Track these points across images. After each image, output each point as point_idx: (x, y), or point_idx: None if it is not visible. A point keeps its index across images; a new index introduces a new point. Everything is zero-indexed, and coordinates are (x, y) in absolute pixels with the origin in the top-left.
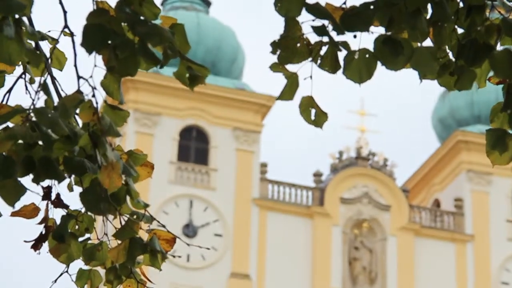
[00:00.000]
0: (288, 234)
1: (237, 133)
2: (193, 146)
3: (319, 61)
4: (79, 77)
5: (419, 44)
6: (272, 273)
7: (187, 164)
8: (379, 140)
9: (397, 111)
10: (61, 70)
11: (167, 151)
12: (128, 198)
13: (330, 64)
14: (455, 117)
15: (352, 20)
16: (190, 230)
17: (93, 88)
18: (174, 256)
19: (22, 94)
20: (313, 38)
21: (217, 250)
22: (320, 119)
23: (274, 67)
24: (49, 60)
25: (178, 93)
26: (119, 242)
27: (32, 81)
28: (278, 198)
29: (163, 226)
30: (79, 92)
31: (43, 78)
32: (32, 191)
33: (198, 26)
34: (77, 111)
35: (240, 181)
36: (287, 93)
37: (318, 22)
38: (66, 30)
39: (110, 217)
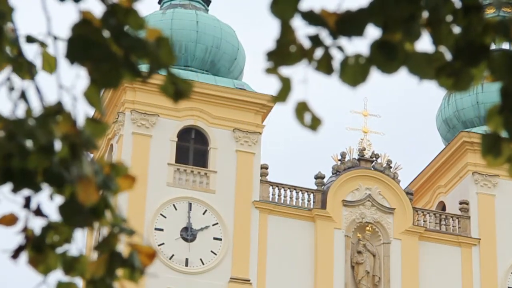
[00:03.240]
0: (289, 237)
1: (237, 134)
2: (192, 148)
3: (314, 64)
4: (60, 87)
5: (414, 48)
6: (273, 278)
7: (186, 166)
8: (382, 142)
9: (401, 112)
10: (51, 73)
11: (165, 152)
12: (108, 210)
13: (325, 68)
14: (460, 118)
15: (347, 25)
16: (188, 234)
17: (74, 99)
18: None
19: (2, 98)
20: (307, 41)
21: (217, 254)
22: (314, 123)
23: (269, 70)
24: (34, 66)
25: None
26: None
27: (13, 87)
28: (279, 201)
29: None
30: (59, 103)
31: (24, 86)
32: (12, 201)
33: (197, 24)
34: (57, 121)
35: (240, 183)
36: (281, 95)
37: (313, 29)
38: (50, 37)
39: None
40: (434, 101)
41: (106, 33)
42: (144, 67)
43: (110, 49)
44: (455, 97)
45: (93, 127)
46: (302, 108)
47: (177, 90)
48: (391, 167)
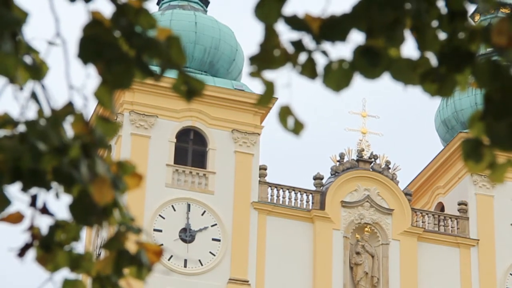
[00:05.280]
0: (288, 238)
1: (235, 135)
2: (191, 149)
3: (299, 68)
4: (70, 87)
5: (400, 53)
6: (272, 279)
7: (185, 167)
8: (381, 142)
9: (400, 113)
10: (42, 78)
11: (163, 153)
12: (116, 209)
13: (309, 72)
14: (459, 118)
15: (330, 30)
16: (187, 235)
17: (85, 99)
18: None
19: (8, 100)
20: (291, 46)
21: (215, 255)
22: (297, 128)
23: (253, 74)
24: (43, 68)
25: (175, 94)
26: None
27: (18, 86)
28: (278, 202)
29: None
30: (70, 103)
31: (33, 87)
32: (18, 199)
33: (196, 25)
34: (69, 121)
35: (238, 184)
36: (264, 99)
37: (296, 34)
38: (52, 42)
39: (104, 228)
40: (432, 101)
41: (116, 33)
42: (155, 67)
43: (121, 49)
44: (454, 98)
45: (104, 126)
46: (285, 112)
47: (189, 89)
48: (389, 168)
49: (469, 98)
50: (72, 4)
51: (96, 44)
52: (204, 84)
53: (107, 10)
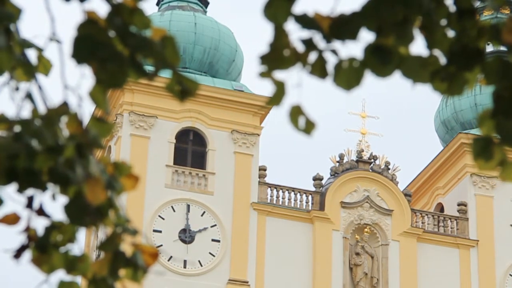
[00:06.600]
0: (287, 239)
1: (235, 136)
2: (190, 149)
3: (308, 68)
4: (65, 87)
5: (409, 52)
6: (271, 279)
7: (184, 167)
8: (380, 143)
9: (399, 113)
10: (46, 75)
11: (163, 154)
12: (112, 210)
13: (319, 71)
14: (459, 119)
15: (340, 28)
16: (187, 235)
17: (80, 99)
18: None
19: (6, 99)
20: (301, 45)
21: (215, 256)
22: (309, 127)
23: (263, 74)
24: (35, 68)
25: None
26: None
27: (16, 87)
28: (277, 203)
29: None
30: (65, 103)
31: (28, 86)
32: (14, 200)
33: (195, 26)
34: (63, 121)
35: (238, 185)
36: (275, 99)
37: (306, 33)
38: (53, 38)
39: (101, 229)
40: (432, 102)
41: (111, 33)
42: (149, 67)
43: (115, 49)
44: (453, 98)
45: (98, 126)
46: (296, 112)
47: (183, 89)
48: (389, 169)
49: (468, 98)
50: (67, 4)
51: (90, 43)
52: (198, 84)
53: (102, 9)
